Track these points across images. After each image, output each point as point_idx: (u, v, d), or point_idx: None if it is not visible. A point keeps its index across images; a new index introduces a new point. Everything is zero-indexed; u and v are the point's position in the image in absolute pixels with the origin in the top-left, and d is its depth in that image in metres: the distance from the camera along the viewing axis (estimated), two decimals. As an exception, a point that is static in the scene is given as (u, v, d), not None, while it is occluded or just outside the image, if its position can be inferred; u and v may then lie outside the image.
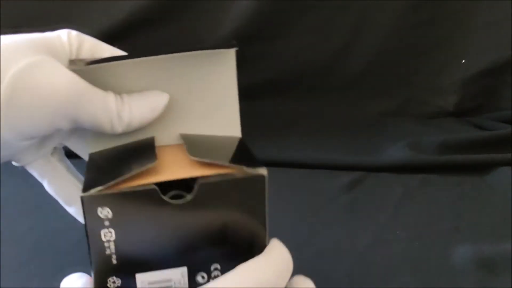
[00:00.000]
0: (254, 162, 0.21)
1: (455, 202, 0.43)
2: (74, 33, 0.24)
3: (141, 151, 0.23)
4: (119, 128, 0.23)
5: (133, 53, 0.24)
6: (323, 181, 0.45)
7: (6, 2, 0.55)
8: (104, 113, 0.22)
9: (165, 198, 0.19)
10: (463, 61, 0.61)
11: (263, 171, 0.20)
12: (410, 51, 0.60)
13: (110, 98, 0.22)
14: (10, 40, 0.21)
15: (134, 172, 0.19)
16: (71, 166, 0.27)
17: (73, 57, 0.24)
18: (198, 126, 0.25)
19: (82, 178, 0.24)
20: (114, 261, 0.20)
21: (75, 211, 0.26)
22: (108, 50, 0.25)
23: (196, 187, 0.19)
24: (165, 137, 0.25)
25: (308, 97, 0.61)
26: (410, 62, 0.61)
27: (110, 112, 0.22)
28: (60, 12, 0.55)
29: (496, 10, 0.59)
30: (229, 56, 0.25)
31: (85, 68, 0.23)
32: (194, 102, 0.25)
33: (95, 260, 0.20)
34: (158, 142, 0.24)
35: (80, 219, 0.25)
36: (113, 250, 0.19)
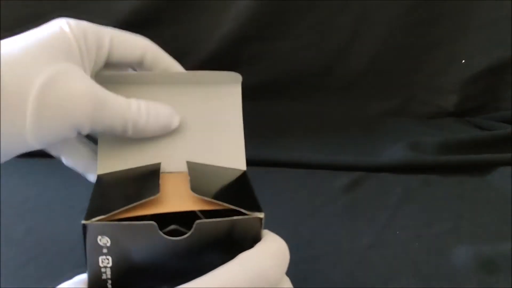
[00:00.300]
0: (253, 202, 0.22)
1: (455, 202, 0.43)
2: (73, 24, 0.25)
3: (146, 179, 0.24)
4: (129, 133, 0.24)
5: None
6: (323, 182, 0.45)
7: (6, 2, 0.54)
8: (121, 121, 0.23)
9: (163, 234, 0.20)
10: (463, 61, 0.61)
11: (260, 214, 0.21)
12: (410, 51, 0.60)
13: (131, 105, 0.23)
14: (24, 43, 0.22)
15: (136, 203, 0.20)
16: (83, 137, 0.27)
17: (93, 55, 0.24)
18: (204, 149, 0.26)
19: (95, 147, 0.26)
20: (109, 286, 0.21)
21: (94, 178, 0.27)
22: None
23: (194, 226, 0.20)
24: (171, 157, 0.26)
25: (308, 97, 0.61)
26: (410, 62, 0.61)
27: (127, 120, 0.23)
28: (60, 12, 0.55)
29: (497, 9, 0.59)
30: (235, 88, 0.26)
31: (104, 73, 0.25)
32: (202, 126, 0.26)
33: (91, 283, 0.21)
34: (165, 163, 0.25)
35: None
36: (109, 276, 0.21)
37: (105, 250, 0.20)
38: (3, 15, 0.54)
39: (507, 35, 0.59)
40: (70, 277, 0.23)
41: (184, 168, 0.25)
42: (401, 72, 0.61)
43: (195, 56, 0.57)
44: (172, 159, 0.26)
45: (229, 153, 0.26)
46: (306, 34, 0.58)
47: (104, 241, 0.20)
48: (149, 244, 0.20)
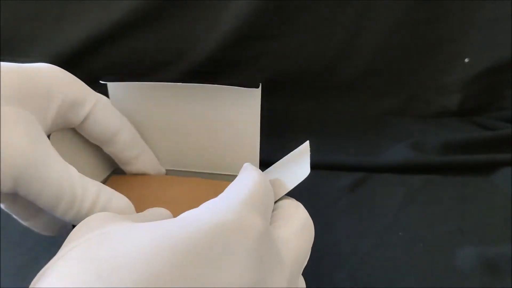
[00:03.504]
0: None
1: (458, 203, 0.43)
2: (60, 76, 0.23)
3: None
4: (71, 215, 0.19)
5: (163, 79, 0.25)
6: (324, 182, 0.45)
7: (6, 2, 0.54)
8: (58, 191, 0.19)
9: None
10: (466, 59, 0.60)
11: None
12: (412, 50, 0.60)
13: (71, 174, 0.19)
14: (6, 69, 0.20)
15: None
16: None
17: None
18: (218, 162, 0.25)
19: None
20: None
21: (30, 224, 0.24)
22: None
23: None
24: (185, 156, 0.25)
25: (308, 97, 0.61)
26: (412, 61, 0.61)
27: (64, 192, 0.19)
28: (60, 12, 0.55)
29: (500, 8, 0.58)
30: (254, 95, 0.25)
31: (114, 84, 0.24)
32: (216, 135, 0.25)
33: None
34: (178, 163, 0.26)
35: (36, 229, 0.24)
36: None
37: None
38: (3, 15, 0.54)
39: (509, 34, 0.58)
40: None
41: (194, 168, 0.25)
42: (403, 71, 0.61)
43: (195, 55, 0.57)
44: (185, 158, 0.25)
45: (243, 159, 0.25)
46: (306, 34, 0.58)
47: None
48: None
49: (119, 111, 0.25)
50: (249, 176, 0.20)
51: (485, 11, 0.58)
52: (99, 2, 0.55)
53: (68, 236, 0.16)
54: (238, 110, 0.25)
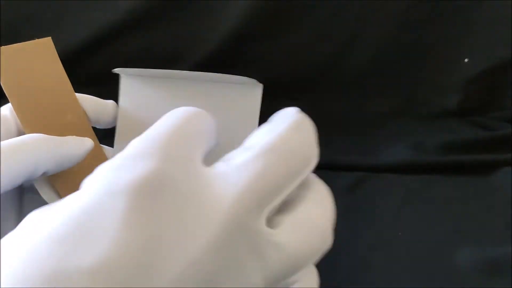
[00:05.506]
0: None
1: (457, 203, 0.43)
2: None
3: None
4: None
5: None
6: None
7: (6, 2, 0.54)
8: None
9: None
10: (466, 59, 0.60)
11: None
12: (411, 50, 0.60)
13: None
14: None
15: None
16: None
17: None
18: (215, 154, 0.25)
19: None
20: None
21: None
22: None
23: None
24: None
25: (308, 97, 0.60)
26: (412, 61, 0.61)
27: None
28: (60, 12, 0.55)
29: (500, 8, 0.58)
30: (255, 92, 0.24)
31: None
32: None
33: None
34: None
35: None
36: None
37: None
38: (3, 15, 0.54)
39: (509, 34, 0.58)
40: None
41: None
42: (402, 71, 0.61)
43: (195, 56, 0.57)
44: None
45: None
46: (306, 34, 0.58)
47: None
48: None
49: (127, 103, 0.26)
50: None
51: (485, 11, 0.58)
52: (99, 2, 0.55)
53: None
54: (238, 108, 0.25)
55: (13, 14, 0.55)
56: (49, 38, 0.24)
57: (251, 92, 0.25)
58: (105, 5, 0.55)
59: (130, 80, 0.25)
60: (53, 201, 0.21)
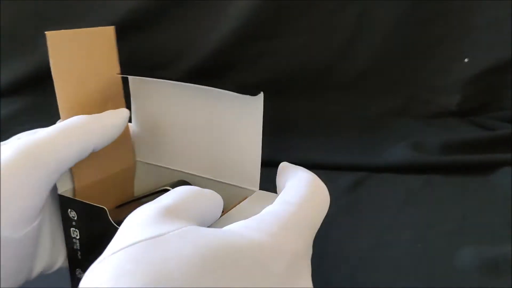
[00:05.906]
0: None
1: (458, 203, 0.43)
2: None
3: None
4: None
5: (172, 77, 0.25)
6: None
7: (6, 2, 0.55)
8: None
9: (110, 219, 0.21)
10: (466, 60, 0.61)
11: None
12: (412, 50, 0.60)
13: None
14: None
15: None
16: None
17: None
18: (217, 167, 0.25)
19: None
20: (79, 256, 0.23)
21: None
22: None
23: None
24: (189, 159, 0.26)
25: (308, 97, 0.61)
26: (412, 61, 0.61)
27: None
28: (60, 11, 0.55)
29: (499, 8, 0.58)
30: (256, 103, 0.24)
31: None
32: (217, 140, 0.25)
33: (68, 252, 0.23)
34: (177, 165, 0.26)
35: None
36: (78, 247, 0.22)
37: (74, 223, 0.22)
38: (4, 15, 0.54)
39: (510, 33, 0.58)
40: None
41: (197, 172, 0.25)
42: (402, 71, 0.61)
43: (195, 56, 0.57)
44: (186, 160, 0.25)
45: (244, 167, 0.25)
46: (306, 34, 0.58)
47: (72, 214, 0.22)
48: (102, 226, 0.21)
49: (138, 105, 0.26)
50: (299, 189, 0.20)
51: (485, 11, 0.58)
52: (100, 2, 0.55)
53: (119, 229, 0.16)
54: (241, 116, 0.25)
55: (14, 14, 0.55)
56: (113, 27, 0.24)
57: (252, 100, 0.24)
58: (106, 5, 0.55)
59: (138, 81, 0.25)
60: (64, 185, 0.23)
